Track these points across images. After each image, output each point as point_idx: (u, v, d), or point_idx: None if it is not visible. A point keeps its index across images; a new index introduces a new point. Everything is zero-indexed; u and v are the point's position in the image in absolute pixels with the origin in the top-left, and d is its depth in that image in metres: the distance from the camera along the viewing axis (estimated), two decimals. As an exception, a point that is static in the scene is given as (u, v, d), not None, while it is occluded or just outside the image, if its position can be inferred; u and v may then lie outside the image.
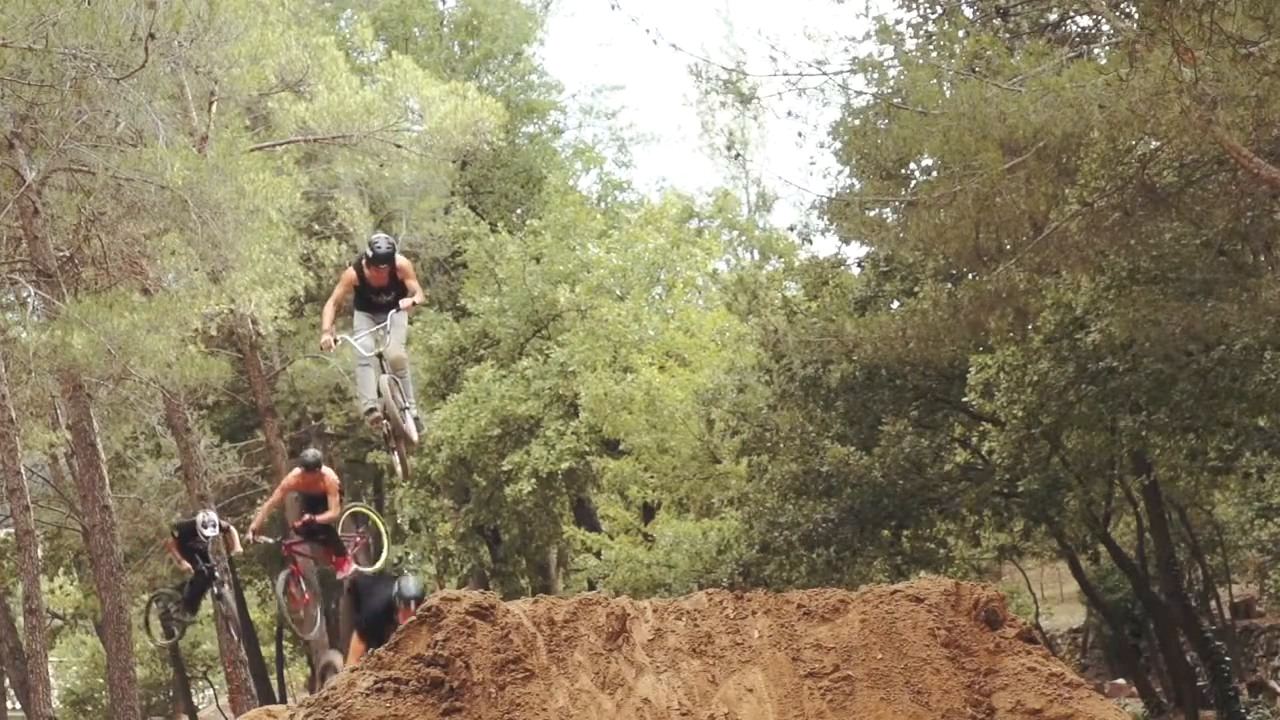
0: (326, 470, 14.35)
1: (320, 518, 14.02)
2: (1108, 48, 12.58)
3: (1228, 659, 20.43)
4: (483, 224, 28.73)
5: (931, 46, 13.19)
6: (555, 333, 26.30)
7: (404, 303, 10.63)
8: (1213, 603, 24.03)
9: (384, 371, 10.71)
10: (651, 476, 22.42)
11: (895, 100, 11.75)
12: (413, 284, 10.82)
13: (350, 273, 10.89)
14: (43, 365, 16.17)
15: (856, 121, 12.87)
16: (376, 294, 10.74)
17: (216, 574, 15.98)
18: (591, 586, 23.98)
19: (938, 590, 8.01)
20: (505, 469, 24.58)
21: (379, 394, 10.71)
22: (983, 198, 11.27)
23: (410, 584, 11.45)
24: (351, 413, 26.75)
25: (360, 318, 11.01)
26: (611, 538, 22.94)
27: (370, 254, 10.60)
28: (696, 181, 78.30)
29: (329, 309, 10.99)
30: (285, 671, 38.21)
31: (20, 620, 22.94)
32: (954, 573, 18.62)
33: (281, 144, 22.50)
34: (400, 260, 10.76)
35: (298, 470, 14.26)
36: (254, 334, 22.05)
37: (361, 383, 11.12)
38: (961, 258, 13.12)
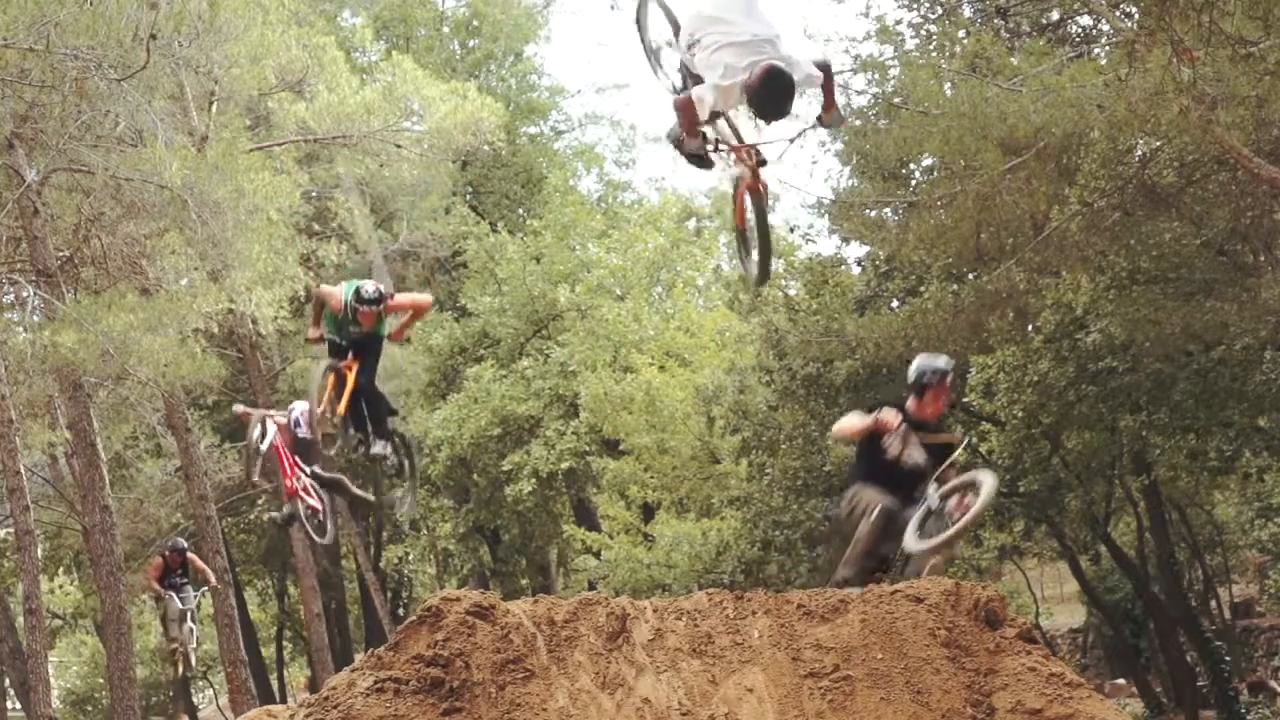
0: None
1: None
2: (1108, 48, 12.60)
3: (1228, 659, 20.41)
4: (483, 224, 28.73)
5: (932, 46, 13.20)
6: (555, 333, 26.31)
7: None
8: (1213, 603, 24.00)
9: None
10: (651, 476, 22.41)
11: (896, 100, 11.77)
12: None
13: None
14: (39, 365, 16.15)
15: (857, 121, 12.89)
16: None
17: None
18: (591, 586, 23.97)
19: (938, 590, 8.00)
20: (505, 469, 24.59)
21: None
22: (983, 198, 11.28)
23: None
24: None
25: None
26: (611, 538, 22.92)
27: None
28: (693, 182, 78.23)
29: None
30: (285, 671, 38.23)
31: (20, 620, 22.93)
32: (954, 573, 18.58)
33: (281, 144, 22.48)
34: None
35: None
36: (254, 334, 22.03)
37: None
38: (962, 258, 13.12)
